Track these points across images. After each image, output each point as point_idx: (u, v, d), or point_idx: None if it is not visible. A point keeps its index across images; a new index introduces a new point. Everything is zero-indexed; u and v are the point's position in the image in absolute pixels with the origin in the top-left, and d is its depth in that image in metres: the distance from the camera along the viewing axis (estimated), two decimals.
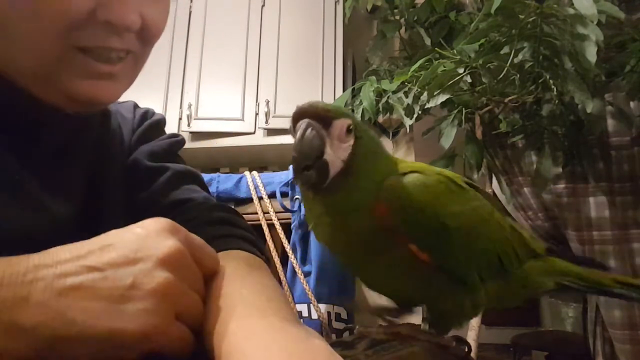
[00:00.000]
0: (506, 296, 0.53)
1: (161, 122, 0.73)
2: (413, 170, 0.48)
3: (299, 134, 0.44)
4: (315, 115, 0.44)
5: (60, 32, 0.47)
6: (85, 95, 0.51)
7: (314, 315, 1.50)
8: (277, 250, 1.60)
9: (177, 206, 0.62)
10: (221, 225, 0.59)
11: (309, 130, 0.44)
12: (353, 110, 1.98)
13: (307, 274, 1.57)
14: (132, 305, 0.37)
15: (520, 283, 0.53)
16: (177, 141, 0.72)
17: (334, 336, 1.47)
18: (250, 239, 0.59)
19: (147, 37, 0.55)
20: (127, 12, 0.49)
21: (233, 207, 0.73)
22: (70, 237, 0.53)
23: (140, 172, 0.65)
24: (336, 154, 0.45)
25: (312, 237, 1.59)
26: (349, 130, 0.46)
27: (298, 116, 0.45)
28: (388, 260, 0.46)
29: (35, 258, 0.37)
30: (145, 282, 0.38)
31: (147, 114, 0.73)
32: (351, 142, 0.46)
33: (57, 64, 0.49)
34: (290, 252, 1.58)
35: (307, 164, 0.43)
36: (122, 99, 0.66)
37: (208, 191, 0.70)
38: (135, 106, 0.73)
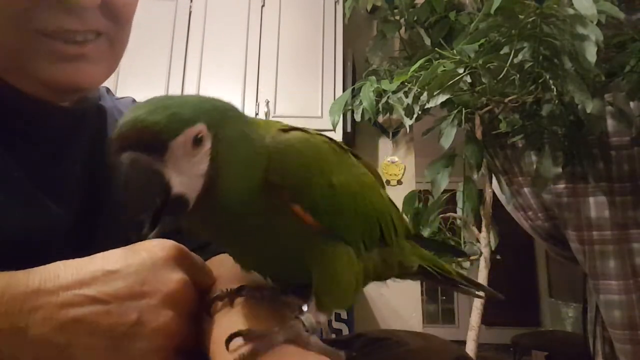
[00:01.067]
0: (384, 269, 0.48)
1: None
2: (294, 128, 0.42)
3: (122, 179, 0.32)
4: (140, 144, 0.32)
5: (16, 14, 0.46)
6: (59, 79, 0.50)
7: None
8: None
9: None
10: None
11: (134, 172, 0.32)
12: (353, 111, 1.98)
13: None
14: (135, 343, 0.36)
15: (397, 258, 0.50)
16: None
17: (333, 336, 1.46)
18: None
19: (115, 15, 0.52)
20: None
21: None
22: (66, 236, 0.52)
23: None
24: (189, 174, 0.33)
25: None
26: (198, 142, 0.33)
27: (118, 147, 0.32)
28: (272, 231, 0.40)
29: (36, 279, 0.35)
30: (150, 320, 0.37)
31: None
32: (206, 147, 0.34)
33: (24, 50, 0.48)
34: None
35: (148, 214, 0.32)
36: (119, 95, 0.65)
37: None
38: (134, 102, 0.72)
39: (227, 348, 0.35)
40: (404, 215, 0.56)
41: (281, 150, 0.38)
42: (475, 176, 1.76)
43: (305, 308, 0.43)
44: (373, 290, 2.39)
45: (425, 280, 0.58)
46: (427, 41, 2.01)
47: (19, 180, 0.50)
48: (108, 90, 0.69)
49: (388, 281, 0.53)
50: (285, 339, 0.36)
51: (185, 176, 0.33)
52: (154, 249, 0.40)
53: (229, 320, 0.40)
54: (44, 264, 0.37)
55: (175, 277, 0.40)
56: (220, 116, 0.36)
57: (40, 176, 0.52)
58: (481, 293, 0.68)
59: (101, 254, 0.40)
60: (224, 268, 0.48)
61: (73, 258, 0.39)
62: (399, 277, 0.53)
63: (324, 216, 0.40)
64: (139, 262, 0.39)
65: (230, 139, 0.36)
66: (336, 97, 2.27)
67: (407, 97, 1.71)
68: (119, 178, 0.32)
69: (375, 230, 0.46)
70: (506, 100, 1.51)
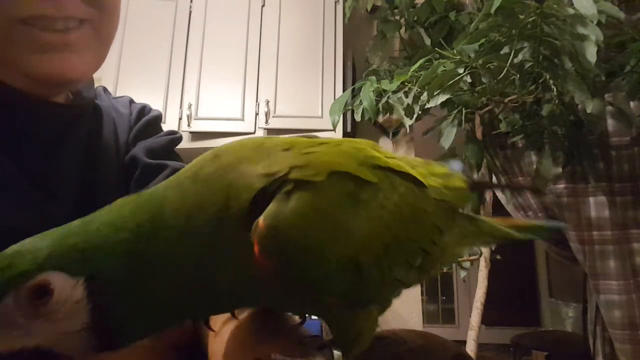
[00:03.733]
0: (418, 279, 0.41)
1: (158, 118, 0.72)
2: (294, 179, 0.31)
3: None
4: None
5: None
6: (44, 71, 0.49)
7: (314, 316, 1.50)
8: None
9: None
10: None
11: None
12: (353, 111, 1.98)
13: None
14: None
15: (437, 261, 0.43)
16: (175, 138, 0.70)
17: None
18: None
19: (97, 0, 0.51)
20: None
21: None
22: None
23: (139, 170, 0.63)
24: (57, 332, 0.26)
25: None
26: (42, 294, 0.26)
27: None
28: (283, 300, 0.34)
29: None
30: None
31: (144, 109, 0.70)
32: (77, 295, 0.27)
33: (4, 40, 0.47)
34: None
35: None
36: (119, 95, 0.64)
37: None
38: (131, 101, 0.72)
39: None
40: (453, 182, 0.44)
41: (281, 240, 0.29)
42: (475, 176, 1.76)
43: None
44: None
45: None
46: (427, 41, 2.01)
47: (12, 177, 0.50)
48: (105, 89, 0.69)
49: None
50: None
51: (45, 338, 0.26)
52: None
53: (231, 336, 0.39)
54: None
55: None
56: (100, 254, 0.28)
57: (34, 173, 0.52)
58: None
59: None
60: None
61: None
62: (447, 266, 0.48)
63: (350, 294, 0.33)
64: None
65: (132, 272, 0.28)
66: (336, 97, 2.27)
67: (407, 97, 1.70)
68: None
69: (416, 259, 0.38)
70: (506, 100, 1.51)
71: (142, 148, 0.64)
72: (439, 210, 0.41)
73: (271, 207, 0.29)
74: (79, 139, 0.59)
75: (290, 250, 0.29)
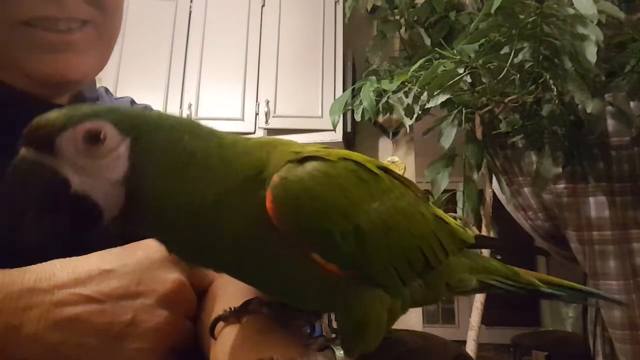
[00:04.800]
0: (428, 295, 0.43)
1: None
2: (310, 155, 0.35)
3: (7, 173, 0.29)
4: (29, 140, 0.31)
5: None
6: (46, 71, 0.48)
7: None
8: None
9: None
10: None
11: (18, 166, 0.30)
12: (353, 111, 1.99)
13: None
14: (129, 343, 0.36)
15: (444, 280, 0.44)
16: None
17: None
18: None
19: (98, 1, 0.50)
20: None
21: None
22: (59, 234, 0.52)
23: None
24: (95, 177, 0.30)
25: None
26: (93, 139, 0.30)
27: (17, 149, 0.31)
28: (285, 271, 0.35)
29: (32, 277, 0.35)
30: (144, 320, 0.36)
31: (145, 110, 0.71)
32: (120, 151, 0.30)
33: (7, 42, 0.47)
34: None
35: (40, 209, 0.29)
36: (119, 95, 0.64)
37: None
38: (133, 102, 0.72)
39: None
40: (458, 222, 0.47)
41: (291, 192, 0.32)
42: (475, 176, 1.76)
43: (310, 329, 0.40)
44: None
45: (500, 292, 0.50)
46: (427, 41, 2.01)
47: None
48: (107, 90, 0.69)
49: None
50: None
51: (89, 177, 0.30)
52: (150, 248, 0.40)
53: (235, 344, 0.38)
54: (40, 262, 0.37)
55: (171, 277, 0.39)
56: (146, 126, 0.32)
57: None
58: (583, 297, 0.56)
59: (97, 253, 0.39)
60: None
61: (69, 256, 0.38)
62: (457, 294, 0.48)
63: (350, 264, 0.35)
64: (135, 262, 0.39)
65: (164, 150, 0.31)
66: (336, 97, 2.27)
67: (407, 97, 1.71)
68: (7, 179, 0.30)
69: (416, 261, 0.40)
70: (506, 100, 1.51)
71: None
72: (440, 227, 0.44)
73: (286, 166, 0.33)
74: None
75: (298, 201, 0.32)
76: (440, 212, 0.46)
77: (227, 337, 0.39)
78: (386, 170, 0.41)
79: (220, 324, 0.39)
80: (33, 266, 0.36)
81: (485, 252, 1.71)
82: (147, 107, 0.71)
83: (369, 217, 0.36)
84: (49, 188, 0.30)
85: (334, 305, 0.37)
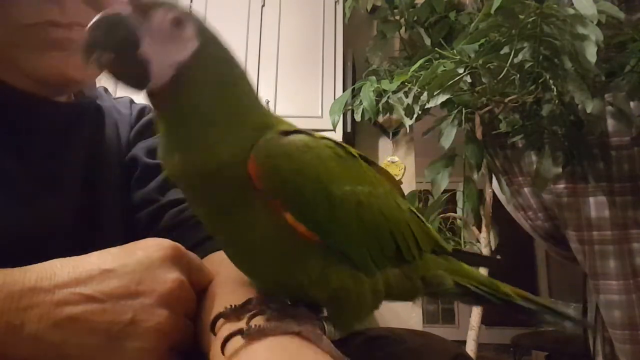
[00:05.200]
0: (405, 287, 0.44)
1: None
2: (297, 130, 0.39)
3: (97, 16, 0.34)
4: (134, 2, 0.36)
5: (6, 7, 0.46)
6: (46, 69, 0.49)
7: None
8: None
9: (174, 205, 0.61)
10: None
11: (111, 14, 0.35)
12: (353, 111, 1.99)
13: None
14: (129, 342, 0.36)
15: (420, 273, 0.45)
16: None
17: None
18: None
19: (100, 4, 0.50)
20: None
21: None
22: (64, 234, 0.52)
23: (139, 169, 0.63)
24: (161, 51, 0.35)
25: None
26: (177, 23, 0.36)
27: None
28: (259, 230, 0.37)
29: (32, 277, 0.35)
30: (144, 319, 0.37)
31: (145, 109, 0.71)
32: (189, 45, 0.36)
33: (9, 43, 0.48)
34: None
35: (107, 47, 0.34)
36: (119, 95, 0.64)
37: None
38: (132, 102, 0.72)
39: (223, 347, 0.33)
40: (435, 232, 0.50)
41: (273, 153, 0.36)
42: (475, 176, 1.76)
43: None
44: None
45: (479, 303, 0.51)
46: (427, 41, 2.01)
47: (15, 176, 0.50)
48: (106, 90, 0.69)
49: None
50: (300, 331, 0.35)
51: (158, 49, 0.35)
52: (150, 248, 0.40)
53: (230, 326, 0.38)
54: (41, 261, 0.37)
55: (171, 277, 0.39)
56: (215, 46, 0.38)
57: (37, 172, 0.52)
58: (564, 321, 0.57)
59: (97, 252, 0.39)
60: (222, 266, 0.47)
61: (71, 256, 0.39)
62: (433, 295, 0.48)
63: (320, 229, 0.37)
64: (135, 261, 0.39)
65: (215, 66, 0.37)
66: (336, 97, 2.27)
67: (407, 97, 1.71)
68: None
69: (388, 245, 0.42)
70: (506, 100, 1.51)
71: (142, 148, 0.64)
72: (415, 222, 0.46)
73: (273, 135, 0.37)
74: (82, 138, 0.59)
75: (276, 160, 0.36)
76: (418, 213, 0.48)
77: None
78: (368, 161, 0.44)
79: (221, 320, 0.39)
80: (34, 265, 0.36)
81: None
82: (146, 107, 0.71)
83: (342, 188, 0.38)
84: (125, 35, 0.34)
85: (312, 282, 0.38)
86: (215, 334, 0.38)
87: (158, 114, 0.38)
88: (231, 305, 0.39)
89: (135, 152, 0.64)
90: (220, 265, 0.47)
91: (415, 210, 0.48)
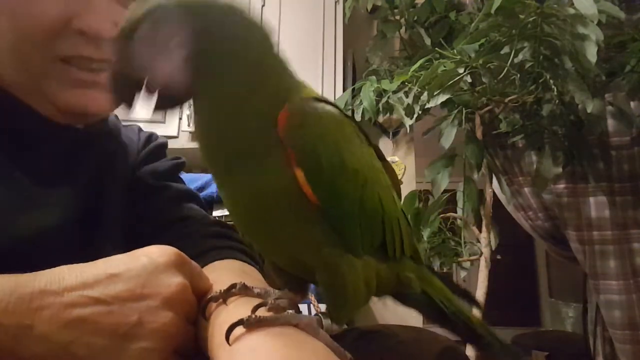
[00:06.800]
0: (381, 281, 0.45)
1: (164, 146, 0.77)
2: (329, 102, 0.43)
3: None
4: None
5: (39, 41, 0.51)
6: (73, 105, 0.54)
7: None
8: None
9: (178, 222, 0.65)
10: (218, 238, 0.62)
11: (117, 60, 0.38)
12: (353, 111, 1.99)
13: None
14: (135, 343, 0.37)
15: (396, 271, 0.47)
16: (179, 163, 0.75)
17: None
18: (244, 250, 0.62)
19: None
20: (99, 21, 0.52)
21: None
22: (67, 246, 0.55)
23: (144, 190, 0.68)
24: (168, 60, 0.37)
25: None
26: (164, 31, 0.37)
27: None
28: (270, 182, 0.39)
29: (42, 280, 0.37)
30: (150, 321, 0.38)
31: (152, 137, 0.77)
32: (187, 36, 0.38)
33: (43, 75, 0.53)
34: None
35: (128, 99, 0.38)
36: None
37: (206, 209, 0.74)
38: (140, 130, 0.77)
39: (229, 337, 0.35)
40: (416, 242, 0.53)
41: (302, 112, 0.39)
42: (475, 176, 1.76)
43: (302, 306, 0.42)
44: None
45: (442, 324, 0.52)
46: (428, 41, 2.01)
47: (27, 193, 0.53)
48: (116, 116, 0.74)
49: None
50: (298, 323, 0.37)
51: (163, 62, 0.37)
52: (154, 254, 0.42)
53: (226, 315, 0.40)
54: (43, 269, 0.39)
55: (175, 281, 0.41)
56: (215, 23, 0.39)
57: (48, 189, 0.55)
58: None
59: (103, 259, 0.41)
60: (217, 273, 0.50)
61: (72, 263, 0.40)
62: (400, 297, 0.51)
63: (324, 193, 0.39)
64: (140, 266, 0.40)
65: (223, 50, 0.38)
66: (336, 97, 2.27)
67: (407, 97, 1.70)
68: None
69: (376, 232, 0.44)
70: (506, 100, 1.51)
71: (147, 171, 0.69)
72: (404, 221, 0.48)
73: (310, 98, 0.40)
74: (92, 160, 0.63)
75: (305, 119, 0.38)
76: (408, 219, 0.51)
77: (216, 318, 0.41)
78: (378, 154, 0.48)
79: (212, 305, 0.42)
80: (42, 271, 0.38)
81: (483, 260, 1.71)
82: (152, 135, 0.77)
83: (353, 161, 0.41)
84: (135, 73, 0.37)
85: (314, 265, 0.40)
86: (206, 318, 0.41)
87: (194, 106, 0.40)
88: (220, 290, 0.42)
89: (141, 174, 0.69)
90: (213, 273, 0.50)
91: (406, 215, 0.50)
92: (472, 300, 0.59)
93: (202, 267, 0.50)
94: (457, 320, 0.52)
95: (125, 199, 0.66)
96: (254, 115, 0.38)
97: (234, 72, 0.38)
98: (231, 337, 0.35)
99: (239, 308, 0.40)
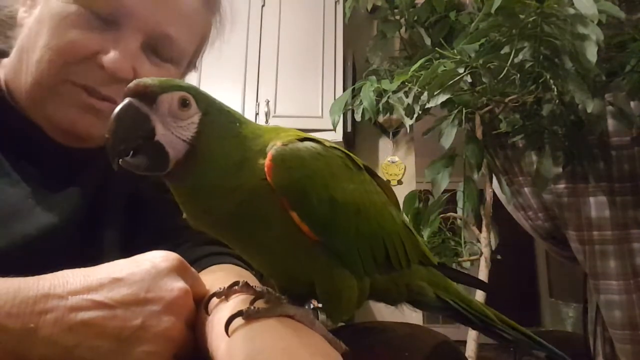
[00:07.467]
0: (390, 292, 0.48)
1: None
2: (310, 138, 0.43)
3: (113, 113, 0.38)
4: (136, 93, 0.38)
5: (60, 63, 0.53)
6: (77, 127, 0.56)
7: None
8: None
9: (178, 230, 0.65)
10: (215, 245, 0.64)
11: (125, 108, 0.38)
12: (353, 111, 1.99)
13: None
14: (138, 347, 0.38)
15: (405, 281, 0.49)
16: None
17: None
18: (240, 256, 0.63)
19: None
20: (122, 62, 0.54)
21: None
22: (67, 252, 0.55)
23: (145, 202, 0.68)
24: (175, 134, 0.39)
25: None
26: (184, 104, 0.39)
27: (122, 97, 0.39)
28: (269, 233, 0.41)
29: (46, 284, 0.37)
30: (153, 325, 0.39)
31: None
32: (194, 119, 0.39)
33: (50, 91, 0.55)
34: None
35: (129, 146, 0.38)
36: None
37: None
38: None
39: (227, 326, 0.36)
40: (424, 245, 0.55)
41: (284, 157, 0.40)
42: (475, 176, 1.76)
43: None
44: None
45: (461, 321, 0.54)
46: (428, 41, 2.01)
47: (30, 204, 0.54)
48: None
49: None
50: (294, 314, 0.38)
51: (170, 133, 0.39)
52: (156, 259, 0.43)
53: (226, 310, 0.41)
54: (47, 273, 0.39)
55: (177, 286, 0.42)
56: (212, 105, 0.42)
57: (50, 201, 0.57)
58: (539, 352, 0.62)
59: (107, 264, 0.42)
60: (216, 275, 0.51)
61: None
62: (416, 304, 0.52)
63: (320, 230, 0.41)
64: (143, 271, 0.41)
65: (219, 125, 0.41)
66: (336, 97, 2.27)
67: (407, 97, 1.70)
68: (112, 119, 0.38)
69: (379, 252, 0.46)
70: (506, 100, 1.51)
71: (149, 183, 0.69)
72: (406, 234, 0.50)
73: (290, 140, 0.41)
74: (92, 176, 0.64)
75: (290, 163, 0.40)
76: (410, 227, 0.52)
77: (218, 312, 0.42)
78: (372, 173, 0.49)
79: (214, 301, 0.43)
80: (46, 275, 0.38)
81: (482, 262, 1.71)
82: None
83: (344, 195, 0.42)
84: (141, 130, 0.38)
85: (311, 274, 0.43)
86: (208, 313, 0.42)
87: (176, 187, 0.42)
88: (223, 287, 0.43)
89: (143, 186, 0.69)
90: (212, 274, 0.51)
91: (408, 224, 0.52)
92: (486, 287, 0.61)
93: (200, 271, 0.52)
94: (476, 320, 0.53)
95: (127, 212, 0.67)
96: (246, 178, 0.40)
97: (224, 160, 0.40)
98: (230, 328, 0.36)
99: (239, 303, 0.41)
